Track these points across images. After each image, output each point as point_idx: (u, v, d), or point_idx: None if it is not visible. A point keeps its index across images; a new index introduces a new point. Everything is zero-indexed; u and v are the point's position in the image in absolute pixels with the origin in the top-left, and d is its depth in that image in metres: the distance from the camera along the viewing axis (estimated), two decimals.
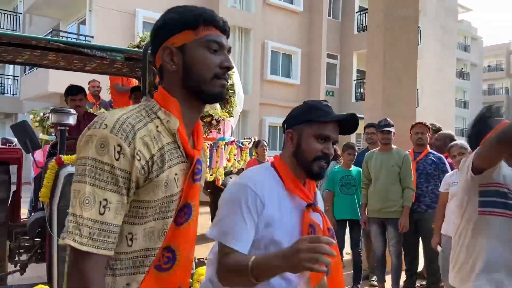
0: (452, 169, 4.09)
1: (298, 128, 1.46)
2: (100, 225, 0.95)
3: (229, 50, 1.15)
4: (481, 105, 38.15)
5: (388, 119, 4.39)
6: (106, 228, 0.96)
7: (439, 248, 3.85)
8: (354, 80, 18.73)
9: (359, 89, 18.42)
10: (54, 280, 2.46)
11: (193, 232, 1.15)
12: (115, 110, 1.03)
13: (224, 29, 1.13)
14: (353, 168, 4.75)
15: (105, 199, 0.96)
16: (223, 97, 1.13)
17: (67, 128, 3.31)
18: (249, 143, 6.59)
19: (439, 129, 4.73)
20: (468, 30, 34.17)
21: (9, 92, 19.63)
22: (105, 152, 0.97)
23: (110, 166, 0.97)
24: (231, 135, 5.75)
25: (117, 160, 0.97)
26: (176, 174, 1.06)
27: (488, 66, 40.25)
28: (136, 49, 3.96)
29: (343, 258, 5.00)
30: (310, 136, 1.43)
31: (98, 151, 0.97)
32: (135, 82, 5.72)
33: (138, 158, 0.99)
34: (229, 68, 1.11)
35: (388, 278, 4.36)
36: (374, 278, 4.80)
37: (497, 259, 1.90)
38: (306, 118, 1.45)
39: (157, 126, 1.04)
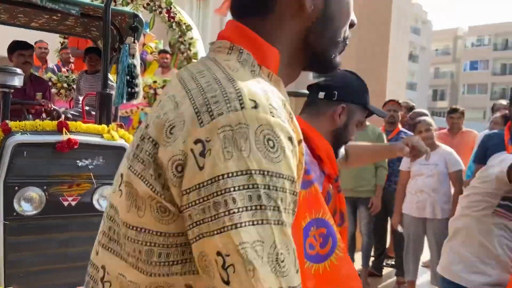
0: None
1: (353, 108, 1.32)
2: None
3: None
4: (428, 88, 40.02)
5: None
6: None
7: (399, 228, 3.84)
8: None
9: None
10: (0, 270, 2.07)
11: None
12: (230, 74, 0.56)
13: None
14: None
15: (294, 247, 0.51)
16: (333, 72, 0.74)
17: (12, 90, 2.85)
18: None
19: (412, 108, 4.67)
20: (419, 13, 35.22)
21: None
22: (279, 156, 0.50)
23: (290, 182, 0.50)
24: None
25: (294, 166, 0.52)
26: None
27: (436, 50, 41.95)
28: (96, 3, 3.48)
29: None
30: (356, 121, 1.34)
31: (268, 154, 0.49)
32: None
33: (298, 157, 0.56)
34: (353, 25, 0.73)
35: (356, 258, 4.31)
36: None
37: (499, 256, 1.86)
38: (364, 101, 1.34)
39: None
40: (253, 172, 0.48)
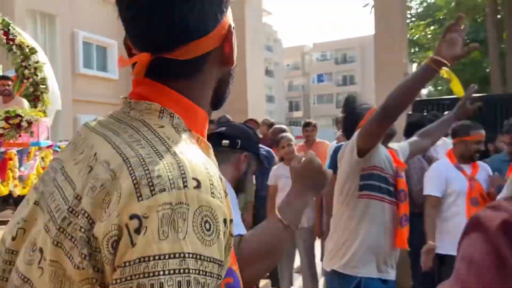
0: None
1: (251, 156, 1.37)
2: None
3: None
4: (285, 100, 43.26)
5: (226, 116, 4.40)
6: None
7: None
8: None
9: None
10: None
11: None
12: (171, 147, 0.53)
13: None
14: None
15: None
16: None
17: None
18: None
19: (272, 124, 4.98)
20: (270, 32, 38.00)
21: None
22: (213, 239, 0.49)
23: (218, 265, 0.49)
24: (48, 139, 4.91)
25: (223, 249, 0.52)
26: None
27: (288, 65, 45.67)
28: None
29: None
30: (253, 169, 1.39)
31: (203, 237, 0.48)
32: None
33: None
34: None
35: None
36: None
37: (371, 242, 1.97)
38: (259, 151, 1.42)
39: None
40: (186, 255, 0.46)
